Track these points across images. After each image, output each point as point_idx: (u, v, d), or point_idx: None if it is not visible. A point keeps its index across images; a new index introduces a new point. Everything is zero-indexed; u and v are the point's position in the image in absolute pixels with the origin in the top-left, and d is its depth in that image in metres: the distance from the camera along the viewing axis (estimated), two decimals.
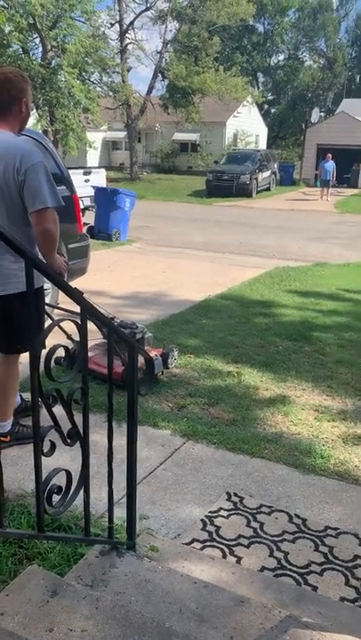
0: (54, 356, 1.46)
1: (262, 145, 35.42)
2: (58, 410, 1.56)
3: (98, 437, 2.44)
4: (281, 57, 45.68)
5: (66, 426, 1.60)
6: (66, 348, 1.55)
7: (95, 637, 1.33)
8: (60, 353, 1.55)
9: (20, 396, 3.25)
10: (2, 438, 2.89)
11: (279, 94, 44.55)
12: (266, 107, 43.38)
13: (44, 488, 1.46)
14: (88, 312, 1.53)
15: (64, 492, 1.55)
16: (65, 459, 2.14)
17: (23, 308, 2.38)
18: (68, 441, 1.56)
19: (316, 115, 28.86)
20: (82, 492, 1.71)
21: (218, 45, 26.34)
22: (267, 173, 23.44)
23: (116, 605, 1.46)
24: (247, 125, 33.41)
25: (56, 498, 1.56)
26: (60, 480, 1.60)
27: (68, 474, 1.59)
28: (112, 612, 1.42)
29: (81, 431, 1.55)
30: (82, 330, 1.49)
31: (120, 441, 1.97)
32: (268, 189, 23.66)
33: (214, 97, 25.41)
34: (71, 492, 1.58)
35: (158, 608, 1.59)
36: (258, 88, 42.19)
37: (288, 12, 43.15)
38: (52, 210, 2.48)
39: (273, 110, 45.27)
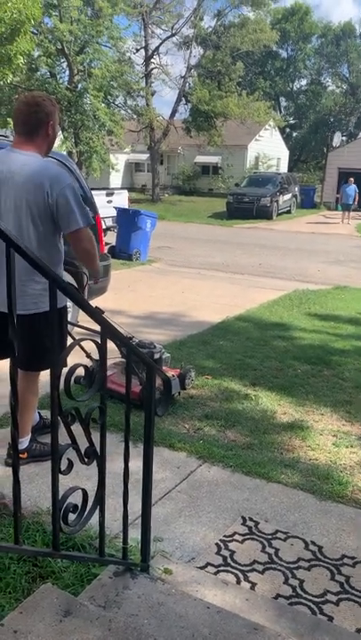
0: (74, 375, 1.48)
1: (284, 168, 35.62)
2: (75, 427, 1.57)
3: (113, 457, 2.45)
4: (303, 82, 46.21)
5: (83, 444, 1.61)
6: (85, 367, 1.57)
7: None
8: (80, 371, 1.58)
9: (39, 413, 3.27)
10: (19, 455, 2.91)
11: (301, 118, 44.90)
12: (288, 130, 43.72)
13: (61, 506, 1.47)
14: (108, 332, 1.55)
15: (80, 511, 1.56)
16: (80, 478, 2.15)
17: (47, 326, 2.42)
18: (86, 460, 1.57)
19: (337, 139, 29.02)
20: (97, 511, 1.72)
21: (241, 70, 26.77)
22: (287, 196, 23.54)
23: (128, 627, 1.45)
24: (269, 149, 33.69)
25: (72, 516, 1.57)
26: (76, 498, 1.60)
27: (85, 492, 1.59)
28: (125, 635, 1.41)
29: (98, 450, 1.56)
30: (101, 350, 1.51)
31: (136, 461, 1.98)
32: (288, 212, 23.73)
33: (237, 120, 25.74)
34: (87, 511, 1.58)
35: (171, 632, 1.57)
36: (280, 112, 42.62)
37: (311, 39, 43.70)
38: (84, 229, 2.61)
39: (295, 134, 45.61)
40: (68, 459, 1.52)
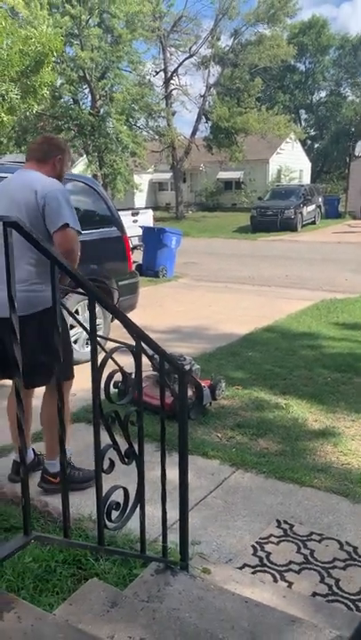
0: (112, 380, 1.60)
1: (306, 180, 35.64)
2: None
3: (148, 465, 2.54)
4: (323, 93, 46.30)
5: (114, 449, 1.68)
6: (123, 372, 1.69)
7: None
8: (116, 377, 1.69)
9: (33, 450, 3.14)
10: (51, 478, 2.85)
11: (322, 130, 44.95)
12: (309, 142, 43.78)
13: (105, 503, 1.57)
14: (142, 338, 1.67)
15: (122, 508, 1.66)
16: (121, 482, 2.25)
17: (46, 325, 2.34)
18: (126, 460, 1.68)
19: (359, 148, 28.95)
20: (137, 511, 1.82)
21: (260, 86, 27.09)
22: (311, 207, 23.53)
23: (171, 617, 1.54)
24: (291, 161, 33.80)
25: (114, 514, 1.67)
26: (117, 497, 1.71)
27: (126, 491, 1.70)
28: (168, 623, 1.50)
29: (136, 450, 1.67)
30: (136, 355, 1.62)
31: (170, 470, 2.04)
32: (313, 223, 23.71)
33: (257, 135, 25.98)
34: (128, 509, 1.69)
35: (212, 624, 1.65)
36: (300, 125, 42.76)
37: (329, 51, 43.89)
38: (72, 229, 2.58)
39: (316, 145, 45.63)
40: (109, 458, 1.63)
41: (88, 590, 1.63)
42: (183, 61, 26.87)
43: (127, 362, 1.81)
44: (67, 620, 1.41)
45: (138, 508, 1.75)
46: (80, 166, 24.85)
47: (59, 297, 1.40)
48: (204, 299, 8.79)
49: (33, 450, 3.15)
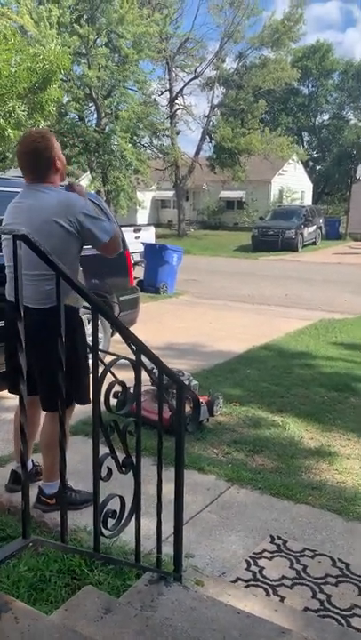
0: (112, 391, 1.65)
1: (308, 201, 35.98)
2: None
3: (145, 479, 2.57)
4: (326, 116, 46.92)
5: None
6: (122, 384, 1.74)
7: None
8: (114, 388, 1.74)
9: (32, 460, 3.15)
10: (47, 500, 2.83)
11: (324, 152, 45.49)
12: (311, 164, 44.25)
13: (101, 511, 1.61)
14: (142, 351, 1.72)
15: (118, 516, 1.70)
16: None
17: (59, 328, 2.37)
18: (123, 469, 1.72)
19: None
20: (133, 522, 1.86)
21: (263, 108, 27.49)
22: (312, 228, 23.75)
23: (164, 625, 1.57)
24: (293, 182, 34.16)
25: (111, 522, 1.71)
26: (114, 506, 1.75)
27: (122, 500, 1.74)
28: (161, 630, 1.53)
29: (134, 460, 1.71)
30: (137, 365, 1.67)
31: (166, 484, 2.07)
32: (313, 243, 23.90)
33: (260, 156, 26.30)
34: (125, 517, 1.72)
35: (203, 633, 1.68)
36: (303, 146, 43.28)
37: (332, 75, 44.62)
38: (107, 242, 2.75)
39: (318, 167, 46.11)
40: (107, 467, 1.67)
41: (83, 597, 1.66)
42: (188, 82, 27.37)
43: (127, 376, 1.86)
44: (63, 623, 1.44)
45: (133, 519, 1.79)
46: (84, 182, 25.11)
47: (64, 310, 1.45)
48: (204, 316, 8.85)
49: (32, 460, 3.16)
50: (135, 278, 7.83)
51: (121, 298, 5.75)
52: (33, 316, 2.34)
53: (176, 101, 27.05)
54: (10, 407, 4.18)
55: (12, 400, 4.06)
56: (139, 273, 11.04)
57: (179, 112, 27.19)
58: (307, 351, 6.61)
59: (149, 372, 2.01)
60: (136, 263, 11.25)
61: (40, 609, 2.10)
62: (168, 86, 26.87)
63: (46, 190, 2.68)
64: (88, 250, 2.94)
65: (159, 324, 8.15)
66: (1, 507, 2.82)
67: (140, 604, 1.80)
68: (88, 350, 2.82)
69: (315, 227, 24.14)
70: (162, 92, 26.89)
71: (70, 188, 2.89)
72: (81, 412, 3.92)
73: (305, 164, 38.78)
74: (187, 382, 4.27)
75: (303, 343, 7.03)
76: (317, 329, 7.94)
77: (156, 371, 1.94)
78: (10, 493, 2.97)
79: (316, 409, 4.65)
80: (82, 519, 2.75)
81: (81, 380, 2.72)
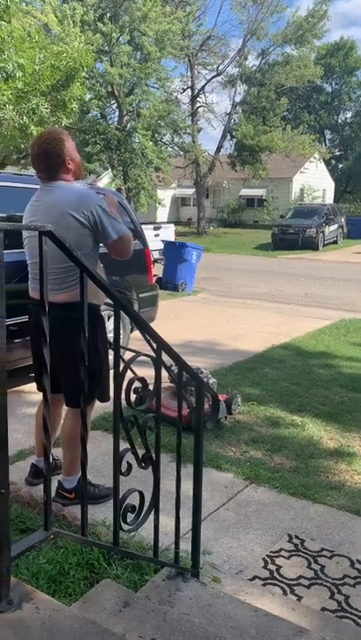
0: (132, 386, 1.66)
1: (329, 199, 35.67)
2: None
3: (163, 476, 2.58)
4: (348, 114, 46.40)
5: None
6: (142, 380, 1.75)
7: None
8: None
9: (52, 454, 3.05)
10: (66, 494, 2.86)
11: (346, 150, 44.98)
12: (333, 162, 43.83)
13: (121, 505, 1.62)
14: (163, 347, 1.73)
15: (137, 511, 1.71)
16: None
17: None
18: (143, 464, 1.73)
19: None
20: (151, 518, 1.87)
21: (285, 105, 27.28)
22: (333, 227, 23.54)
23: (181, 620, 1.58)
24: (314, 180, 33.88)
25: (130, 518, 1.72)
26: (133, 501, 1.76)
27: (142, 495, 1.75)
28: (178, 625, 1.54)
29: (153, 456, 1.72)
30: (157, 362, 1.68)
31: (185, 481, 2.07)
32: (334, 242, 23.69)
33: (281, 154, 26.13)
34: (144, 511, 1.74)
35: (220, 630, 1.68)
36: (325, 144, 42.90)
37: (356, 72, 44.09)
38: (116, 240, 2.73)
39: (340, 165, 45.65)
40: (127, 462, 1.69)
41: (102, 590, 1.67)
42: (210, 80, 27.27)
43: (145, 374, 1.87)
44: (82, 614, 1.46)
45: (152, 515, 1.80)
46: (105, 180, 25.23)
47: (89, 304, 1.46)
48: (223, 314, 8.84)
49: (52, 455, 3.20)
50: (154, 276, 7.85)
51: (140, 295, 5.77)
52: (56, 311, 2.36)
53: (198, 99, 26.99)
54: (31, 402, 4.23)
55: (34, 395, 4.10)
56: (158, 270, 11.06)
57: (200, 110, 27.14)
58: (327, 351, 6.56)
59: (168, 368, 2.02)
60: (155, 261, 11.28)
61: (58, 601, 2.14)
62: (190, 84, 26.84)
63: (59, 186, 2.72)
64: None
65: (178, 321, 8.16)
66: (21, 499, 2.85)
67: (157, 599, 1.81)
68: (109, 347, 2.82)
69: (336, 225, 23.91)
70: (184, 90, 26.89)
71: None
72: (100, 407, 3.96)
73: (327, 163, 38.42)
74: (205, 380, 4.27)
75: (323, 343, 6.98)
76: (338, 329, 7.87)
77: (175, 368, 1.95)
78: (30, 487, 3.01)
79: (336, 409, 4.62)
80: (100, 514, 2.78)
81: (102, 377, 2.74)
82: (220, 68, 27.09)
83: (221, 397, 4.18)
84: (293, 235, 21.57)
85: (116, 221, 2.74)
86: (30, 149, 2.83)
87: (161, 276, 11.10)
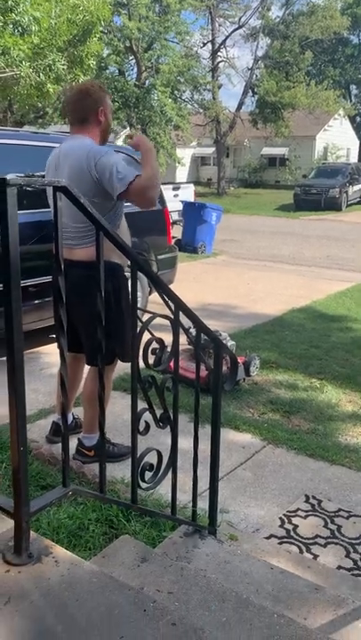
0: (150, 347, 1.65)
1: (354, 158, 34.64)
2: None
3: (180, 435, 2.60)
4: None
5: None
6: (160, 341, 1.73)
7: (180, 600, 1.48)
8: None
9: (72, 414, 3.24)
10: (86, 451, 2.91)
11: None
12: (359, 119, 42.35)
13: (139, 463, 1.64)
14: (180, 308, 1.70)
15: (155, 469, 1.73)
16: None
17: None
18: (161, 424, 1.74)
19: None
20: (169, 476, 1.89)
21: (310, 59, 26.27)
22: (358, 187, 22.95)
23: (198, 575, 1.61)
24: (338, 139, 32.87)
25: (148, 475, 1.74)
26: (151, 459, 1.77)
27: (159, 453, 1.76)
28: (195, 580, 1.57)
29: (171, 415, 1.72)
30: (174, 322, 1.66)
31: (202, 441, 2.08)
32: (358, 203, 23.13)
33: (305, 111, 25.32)
34: (162, 470, 1.75)
35: (237, 586, 1.71)
36: (350, 101, 41.31)
37: None
38: (133, 184, 2.49)
39: None
40: (145, 421, 1.69)
41: (120, 545, 1.71)
42: (232, 33, 26.25)
43: (165, 338, 1.85)
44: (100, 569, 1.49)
45: (170, 472, 1.81)
46: (123, 139, 24.80)
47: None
48: (243, 276, 8.75)
49: (72, 413, 3.24)
50: (173, 237, 7.77)
51: (159, 257, 5.72)
52: (79, 270, 2.33)
53: (218, 54, 26.08)
54: (53, 362, 4.27)
55: (56, 355, 4.14)
56: (177, 232, 10.94)
57: (221, 65, 26.26)
58: (348, 314, 6.48)
59: (186, 330, 2.00)
60: (174, 222, 11.13)
61: (78, 555, 2.19)
62: (210, 37, 25.89)
63: (80, 138, 2.66)
64: (128, 207, 2.90)
65: (196, 283, 8.11)
66: (41, 457, 2.91)
67: (175, 555, 1.84)
68: None
69: (360, 185, 23.30)
70: (204, 44, 25.96)
71: (130, 138, 2.83)
72: (120, 368, 3.98)
73: (352, 120, 37.15)
74: (224, 342, 4.25)
75: (344, 306, 6.89)
76: (359, 291, 7.75)
77: (193, 330, 1.93)
78: (50, 444, 3.06)
79: (356, 372, 4.58)
80: (119, 472, 2.82)
81: (125, 337, 2.73)
82: (242, 20, 26.05)
83: (240, 359, 4.17)
84: (316, 195, 21.09)
85: (121, 173, 2.52)
86: (68, 91, 2.80)
87: (180, 237, 10.98)
